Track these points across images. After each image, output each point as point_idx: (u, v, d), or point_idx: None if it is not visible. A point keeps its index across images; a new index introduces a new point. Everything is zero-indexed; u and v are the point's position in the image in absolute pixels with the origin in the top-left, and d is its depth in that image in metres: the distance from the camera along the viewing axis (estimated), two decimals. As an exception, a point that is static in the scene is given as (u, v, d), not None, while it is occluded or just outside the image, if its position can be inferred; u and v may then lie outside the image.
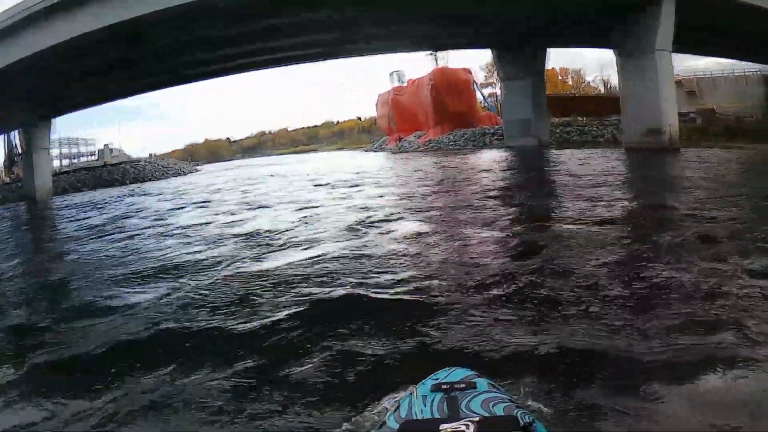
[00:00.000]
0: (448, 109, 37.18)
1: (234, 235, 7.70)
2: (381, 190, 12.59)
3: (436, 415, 0.89)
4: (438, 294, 3.98)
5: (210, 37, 18.68)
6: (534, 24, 21.79)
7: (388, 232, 6.81)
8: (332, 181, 15.92)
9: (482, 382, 0.98)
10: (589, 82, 51.21)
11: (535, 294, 3.80)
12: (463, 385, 0.96)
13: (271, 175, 23.65)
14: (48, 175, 28.98)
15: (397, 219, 7.76)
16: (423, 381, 1.01)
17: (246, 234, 7.69)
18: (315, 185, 15.42)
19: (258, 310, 3.97)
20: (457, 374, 1.03)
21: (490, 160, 19.91)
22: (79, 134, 51.15)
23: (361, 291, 4.17)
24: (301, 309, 3.87)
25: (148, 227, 9.67)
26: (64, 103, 26.22)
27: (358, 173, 18.78)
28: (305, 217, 8.80)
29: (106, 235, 9.36)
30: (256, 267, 5.48)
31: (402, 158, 28.97)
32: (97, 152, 50.26)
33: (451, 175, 15.62)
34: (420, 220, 7.55)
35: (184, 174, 41.34)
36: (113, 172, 36.88)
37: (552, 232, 6.03)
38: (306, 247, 6.29)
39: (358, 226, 7.36)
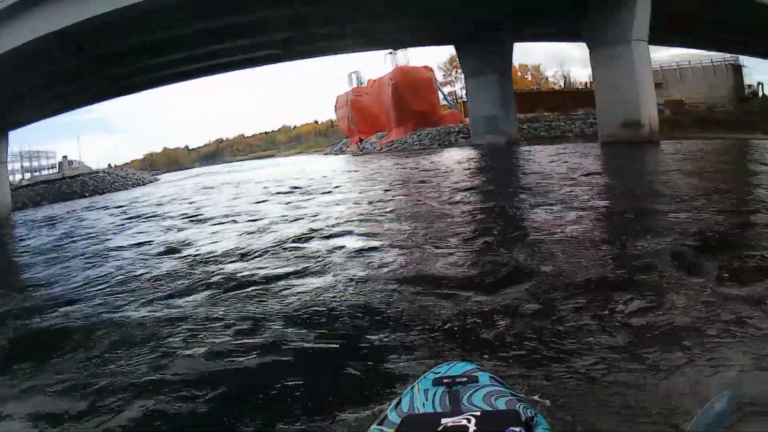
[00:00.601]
0: (410, 108, 36.17)
1: (158, 254, 6.82)
2: (334, 197, 11.37)
3: (438, 409, 0.90)
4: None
5: (154, 41, 17.55)
6: (497, 17, 20.94)
7: (330, 251, 5.63)
8: (286, 189, 14.65)
9: (484, 376, 0.98)
10: (548, 78, 50.94)
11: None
12: (465, 379, 0.96)
13: (226, 183, 22.22)
14: (6, 191, 27.33)
15: (344, 234, 6.61)
16: (424, 374, 1.01)
17: (172, 254, 6.67)
18: (269, 193, 14.15)
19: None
20: (458, 368, 1.01)
21: (456, 159, 18.77)
22: (40, 147, 50.31)
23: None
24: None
25: (78, 254, 8.06)
26: (18, 116, 24.43)
27: (313, 178, 17.60)
28: (243, 234, 7.58)
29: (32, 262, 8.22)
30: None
31: (363, 160, 27.78)
32: (57, 165, 49.37)
33: (414, 177, 14.30)
34: (369, 234, 6.41)
35: (144, 184, 39.95)
36: (72, 184, 35.32)
37: (522, 248, 4.85)
38: (228, 277, 5.09)
39: (299, 243, 6.28)
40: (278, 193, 13.66)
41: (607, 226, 5.78)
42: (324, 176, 18.40)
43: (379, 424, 0.93)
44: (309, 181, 16.81)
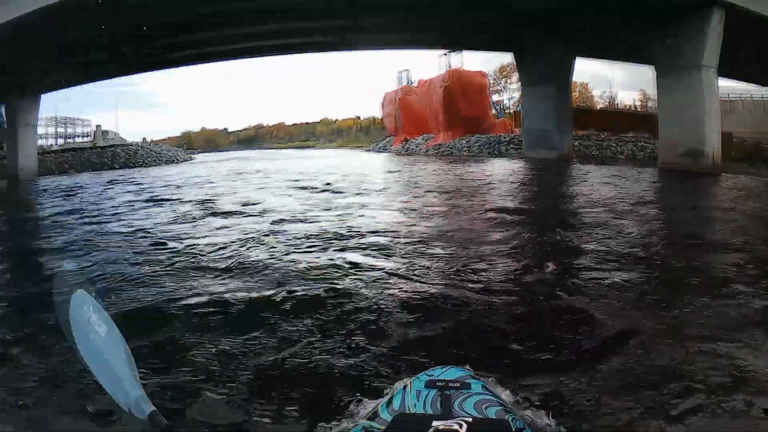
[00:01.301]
0: (460, 113, 35.66)
1: (140, 252, 6.17)
2: (366, 198, 10.80)
3: (429, 411, 0.91)
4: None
5: (203, 14, 17.23)
6: (562, 30, 20.75)
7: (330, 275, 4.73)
8: (317, 183, 14.47)
9: (476, 384, 0.98)
10: (593, 97, 50.36)
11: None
12: (458, 385, 0.97)
13: (258, 171, 22.36)
14: (33, 154, 27.92)
15: (356, 249, 5.80)
16: (418, 376, 1.02)
17: (156, 252, 6.10)
18: (297, 187, 13.74)
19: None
20: (452, 373, 1.03)
21: (505, 171, 18.18)
22: (78, 115, 51.53)
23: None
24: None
25: (69, 239, 7.50)
26: (51, 80, 24.70)
27: (347, 175, 17.41)
28: (247, 235, 6.92)
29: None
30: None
31: (407, 161, 27.41)
32: (92, 134, 50.24)
33: (457, 187, 13.60)
34: (382, 251, 5.63)
35: (176, 162, 40.31)
36: (102, 155, 35.71)
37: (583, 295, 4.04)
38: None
39: (297, 255, 5.53)
40: (305, 188, 13.26)
41: (660, 290, 4.22)
42: (361, 174, 18.11)
43: (369, 419, 0.96)
44: (343, 177, 16.52)
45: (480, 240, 6.29)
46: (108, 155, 35.79)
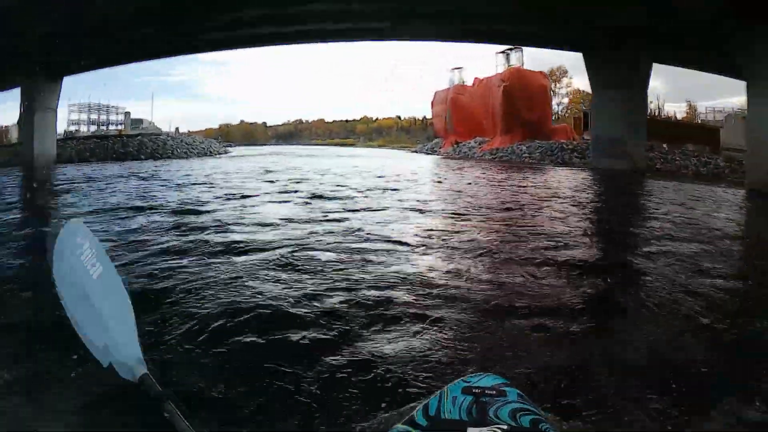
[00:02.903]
0: (521, 115, 34.77)
1: None
2: (393, 213, 9.68)
3: (464, 418, 0.90)
4: None
5: None
6: (637, 32, 19.99)
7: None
8: (356, 192, 13.38)
9: (512, 392, 0.97)
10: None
11: None
12: (494, 392, 0.96)
13: (291, 169, 22.05)
14: (52, 140, 27.88)
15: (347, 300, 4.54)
16: (454, 382, 1.00)
17: None
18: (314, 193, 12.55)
19: None
20: (488, 380, 1.02)
21: (571, 184, 17.30)
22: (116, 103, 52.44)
23: None
24: None
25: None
26: (74, 61, 24.76)
27: (384, 177, 17.29)
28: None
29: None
30: None
31: (457, 166, 26.67)
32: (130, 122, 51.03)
33: (514, 203, 11.63)
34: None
35: (210, 155, 39.89)
36: (128, 144, 35.24)
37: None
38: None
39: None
40: (319, 196, 11.99)
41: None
42: (404, 180, 17.55)
43: (404, 424, 0.95)
44: (376, 181, 16.05)
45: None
46: (134, 145, 35.20)
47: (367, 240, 6.90)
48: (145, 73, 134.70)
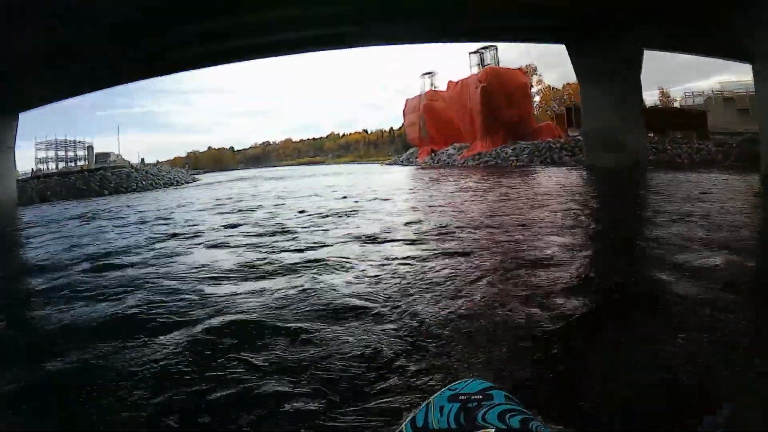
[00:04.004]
0: (501, 116, 33.46)
1: None
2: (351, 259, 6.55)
3: (453, 426, 0.94)
4: None
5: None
6: (623, 14, 18.74)
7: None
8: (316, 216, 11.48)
9: (499, 394, 1.02)
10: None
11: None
12: (480, 397, 1.01)
13: (255, 195, 20.40)
14: (11, 181, 26.58)
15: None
16: (440, 391, 1.04)
17: None
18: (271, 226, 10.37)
19: None
20: (473, 386, 1.06)
21: (563, 185, 15.54)
22: (79, 138, 52.07)
23: None
24: None
25: None
26: (29, 94, 23.20)
27: (372, 200, 14.84)
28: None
29: None
30: None
31: (436, 176, 24.58)
32: (94, 156, 50.75)
33: (496, 226, 8.22)
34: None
35: (177, 184, 39.36)
36: (90, 180, 34.46)
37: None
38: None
39: None
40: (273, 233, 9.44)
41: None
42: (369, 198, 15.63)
43: None
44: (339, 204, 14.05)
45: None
46: (96, 180, 34.51)
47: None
48: (109, 107, 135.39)
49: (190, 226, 11.33)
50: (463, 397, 1.00)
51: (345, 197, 16.26)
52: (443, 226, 8.39)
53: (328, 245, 7.40)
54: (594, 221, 8.45)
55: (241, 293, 4.95)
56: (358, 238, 7.89)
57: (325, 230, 9.07)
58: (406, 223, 9.11)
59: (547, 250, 5.99)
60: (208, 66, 25.05)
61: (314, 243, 7.64)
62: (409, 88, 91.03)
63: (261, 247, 7.62)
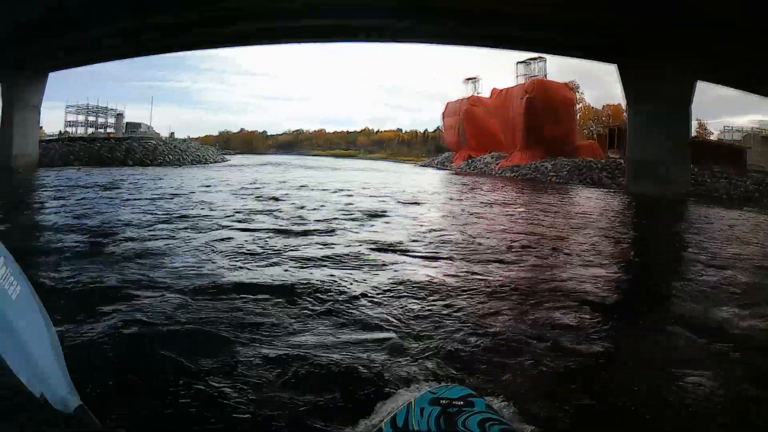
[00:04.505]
0: (544, 130, 33.19)
1: None
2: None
3: (433, 428, 0.97)
4: None
5: None
6: (681, 41, 18.58)
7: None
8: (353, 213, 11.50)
9: (480, 402, 1.05)
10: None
11: None
12: (461, 403, 1.03)
13: (283, 184, 20.45)
14: (34, 141, 26.78)
15: None
16: (422, 394, 1.07)
17: None
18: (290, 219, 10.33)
19: None
20: (455, 391, 1.09)
21: (604, 210, 15.44)
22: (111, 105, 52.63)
23: None
24: None
25: None
26: (61, 56, 23.46)
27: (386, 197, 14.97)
28: None
29: None
30: None
31: (472, 184, 24.60)
32: (125, 125, 50.91)
33: (542, 250, 8.06)
34: None
35: (205, 162, 39.39)
36: (116, 148, 34.47)
37: None
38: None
39: None
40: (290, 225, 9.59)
41: None
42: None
43: None
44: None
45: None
46: (122, 149, 34.45)
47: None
48: (145, 78, 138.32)
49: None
50: (444, 402, 1.04)
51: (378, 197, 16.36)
52: (475, 242, 8.38)
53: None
54: (638, 255, 8.26)
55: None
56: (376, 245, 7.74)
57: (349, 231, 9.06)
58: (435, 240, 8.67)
59: (583, 284, 5.81)
60: (256, 44, 25.85)
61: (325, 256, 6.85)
62: (445, 95, 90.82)
63: (262, 255, 6.86)
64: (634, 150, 22.74)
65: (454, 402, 1.04)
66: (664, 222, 14.29)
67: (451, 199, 17.81)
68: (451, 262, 6.91)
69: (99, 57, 26.02)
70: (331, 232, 8.96)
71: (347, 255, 6.96)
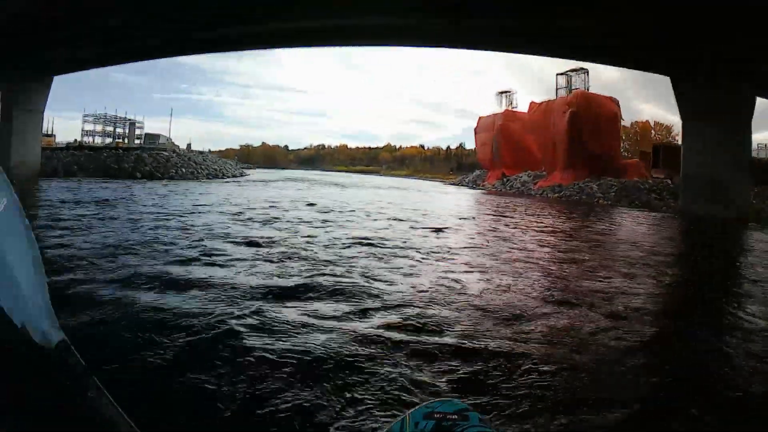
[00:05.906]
0: (587, 147, 32.43)
1: None
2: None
3: None
4: None
5: None
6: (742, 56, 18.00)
7: None
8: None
9: (474, 416, 1.05)
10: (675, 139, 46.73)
11: None
12: (456, 417, 1.04)
13: (297, 201, 19.70)
14: (36, 148, 25.98)
15: None
16: (416, 408, 1.07)
17: None
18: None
19: None
20: (450, 406, 1.09)
21: (684, 243, 14.23)
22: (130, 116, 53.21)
23: None
24: None
25: None
26: (66, 58, 23.06)
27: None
28: None
29: None
30: None
31: (513, 208, 22.86)
32: (143, 136, 51.20)
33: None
34: None
35: (221, 177, 38.20)
36: (123, 159, 33.28)
37: None
38: None
39: None
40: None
41: None
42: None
43: None
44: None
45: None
46: (130, 160, 33.34)
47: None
48: (166, 90, 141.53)
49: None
50: (438, 416, 1.03)
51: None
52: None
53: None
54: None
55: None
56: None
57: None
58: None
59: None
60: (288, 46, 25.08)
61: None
62: (473, 111, 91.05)
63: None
64: (690, 167, 21.98)
65: (448, 416, 1.04)
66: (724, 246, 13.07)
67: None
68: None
69: (108, 58, 25.59)
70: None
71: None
